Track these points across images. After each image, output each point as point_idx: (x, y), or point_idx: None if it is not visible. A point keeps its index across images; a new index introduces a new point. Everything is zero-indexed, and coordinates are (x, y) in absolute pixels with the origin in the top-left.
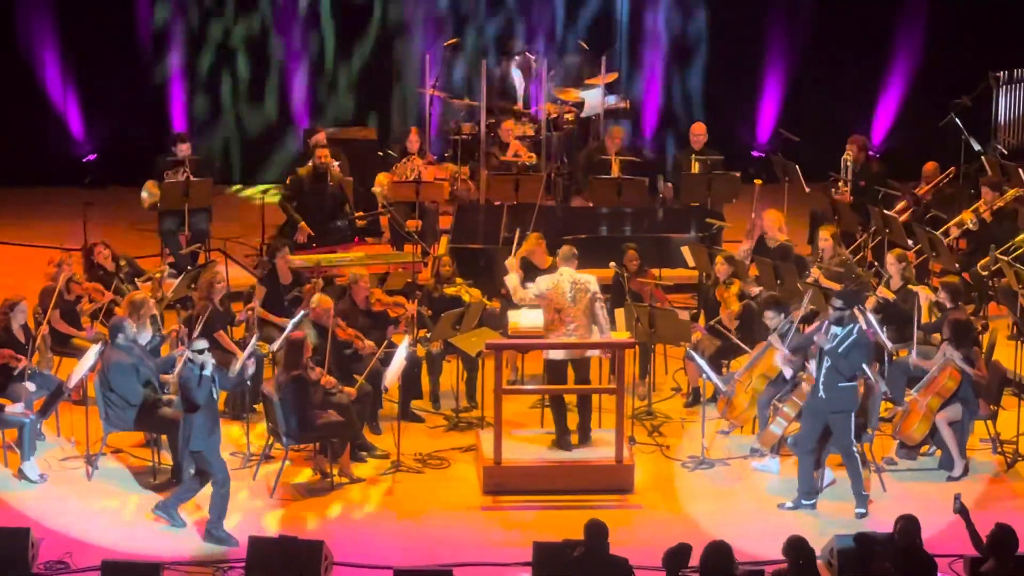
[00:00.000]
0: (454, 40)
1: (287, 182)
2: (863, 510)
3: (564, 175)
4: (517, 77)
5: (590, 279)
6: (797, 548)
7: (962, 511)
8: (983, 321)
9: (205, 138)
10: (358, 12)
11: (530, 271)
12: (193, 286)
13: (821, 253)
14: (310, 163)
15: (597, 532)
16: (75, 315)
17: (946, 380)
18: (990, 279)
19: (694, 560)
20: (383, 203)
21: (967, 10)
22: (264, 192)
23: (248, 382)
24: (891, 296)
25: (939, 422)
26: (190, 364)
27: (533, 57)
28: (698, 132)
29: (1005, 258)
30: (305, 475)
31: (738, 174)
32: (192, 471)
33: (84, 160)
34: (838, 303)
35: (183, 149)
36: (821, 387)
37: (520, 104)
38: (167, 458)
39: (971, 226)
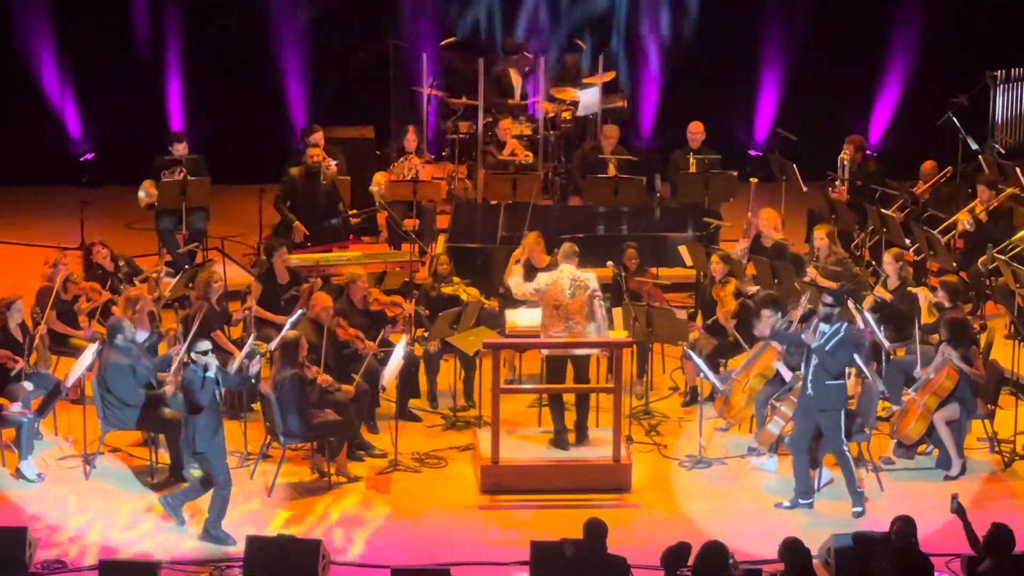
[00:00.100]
0: (452, 40)
1: (280, 182)
2: (860, 508)
3: (561, 174)
4: (515, 76)
5: (590, 276)
6: (792, 550)
7: (959, 511)
8: (981, 321)
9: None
10: (356, 11)
11: (529, 271)
12: (190, 285)
13: (817, 252)
14: (302, 163)
15: (596, 531)
16: (72, 314)
17: (944, 379)
18: (988, 278)
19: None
20: (380, 202)
21: (964, 9)
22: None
23: (252, 380)
24: (888, 296)
25: (936, 421)
26: (193, 366)
27: (530, 56)
28: (695, 131)
29: (1002, 257)
30: (303, 474)
31: (735, 173)
32: (195, 472)
33: (81, 159)
34: (828, 299)
35: (179, 149)
36: (809, 385)
37: (517, 98)
38: (165, 457)
39: (968, 227)
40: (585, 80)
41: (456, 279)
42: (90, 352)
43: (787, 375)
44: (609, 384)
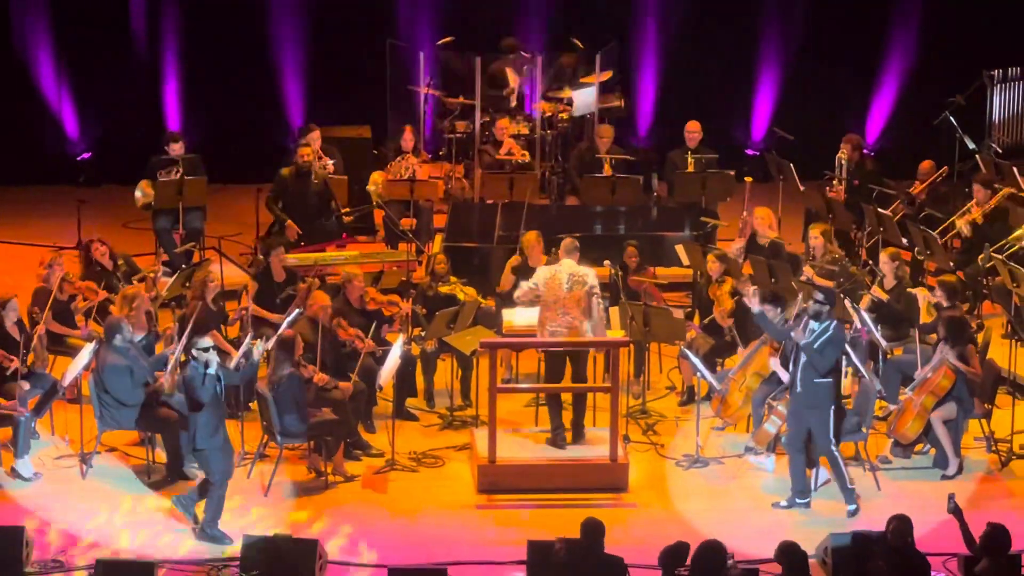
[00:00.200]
0: (449, 39)
1: (272, 182)
2: (853, 506)
3: (558, 174)
4: (511, 75)
5: (588, 272)
6: (789, 553)
7: (956, 511)
8: (978, 320)
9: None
10: (353, 9)
11: (527, 271)
12: (187, 285)
13: (812, 251)
14: (293, 162)
15: (594, 531)
16: (69, 314)
17: (941, 379)
18: (985, 277)
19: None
20: (377, 201)
21: (961, 9)
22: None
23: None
24: (884, 296)
25: (934, 421)
26: (194, 362)
27: (527, 56)
28: (692, 130)
29: (999, 256)
30: (300, 474)
31: (733, 173)
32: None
33: (78, 159)
34: (819, 297)
35: (176, 148)
36: (798, 382)
37: (514, 100)
38: (162, 456)
39: (965, 232)
40: (582, 80)
41: (453, 278)
42: (87, 351)
43: (783, 374)
44: (606, 383)
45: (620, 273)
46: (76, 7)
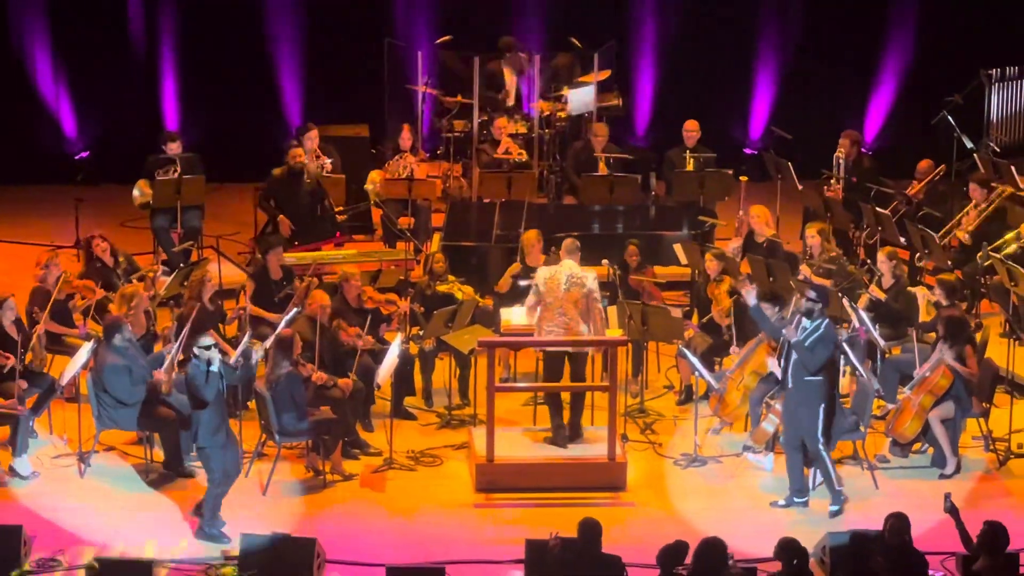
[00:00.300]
0: (447, 38)
1: (265, 182)
2: (836, 508)
3: (556, 172)
4: (509, 75)
5: (588, 275)
6: (789, 549)
7: (952, 510)
8: (976, 320)
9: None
10: (351, 9)
11: (527, 271)
12: (185, 284)
13: (809, 250)
14: (285, 163)
15: (590, 531)
16: (67, 313)
17: (939, 378)
18: (983, 276)
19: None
20: (375, 200)
21: (959, 8)
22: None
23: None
24: (882, 295)
25: (931, 420)
26: (196, 360)
27: (524, 55)
28: (691, 129)
29: (997, 255)
30: (298, 472)
31: (730, 171)
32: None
33: (76, 158)
34: (811, 295)
35: (173, 148)
36: (790, 380)
37: (511, 100)
38: (160, 455)
39: (966, 241)
40: (580, 79)
41: (451, 277)
42: (85, 350)
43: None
44: (604, 382)
45: (618, 272)
46: (74, 6)
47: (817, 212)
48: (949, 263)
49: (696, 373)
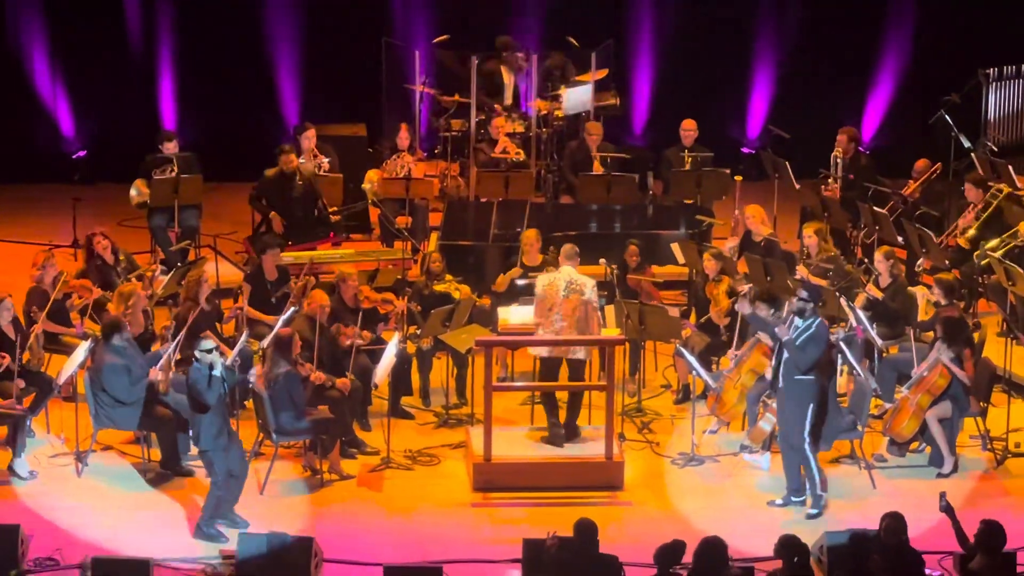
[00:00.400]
0: (444, 37)
1: (258, 182)
2: (816, 511)
3: (554, 172)
4: (506, 74)
5: (587, 283)
6: (790, 547)
7: (947, 509)
8: (974, 320)
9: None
10: (349, 8)
11: (525, 270)
12: (183, 283)
13: (806, 249)
14: (278, 164)
15: (587, 531)
16: (64, 312)
17: (937, 377)
18: (980, 275)
19: (688, 557)
20: (373, 199)
21: (957, 7)
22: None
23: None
24: (879, 294)
25: (929, 419)
26: (197, 364)
27: (522, 55)
28: (688, 128)
29: (995, 254)
30: (295, 472)
31: (728, 171)
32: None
33: (74, 157)
34: (803, 294)
35: (169, 147)
36: (781, 378)
37: (509, 101)
38: (157, 454)
39: (965, 246)
40: (578, 78)
41: (448, 277)
42: (82, 349)
43: None
44: (602, 382)
45: (616, 272)
46: (71, 5)
47: (815, 211)
48: (946, 262)
49: (693, 372)
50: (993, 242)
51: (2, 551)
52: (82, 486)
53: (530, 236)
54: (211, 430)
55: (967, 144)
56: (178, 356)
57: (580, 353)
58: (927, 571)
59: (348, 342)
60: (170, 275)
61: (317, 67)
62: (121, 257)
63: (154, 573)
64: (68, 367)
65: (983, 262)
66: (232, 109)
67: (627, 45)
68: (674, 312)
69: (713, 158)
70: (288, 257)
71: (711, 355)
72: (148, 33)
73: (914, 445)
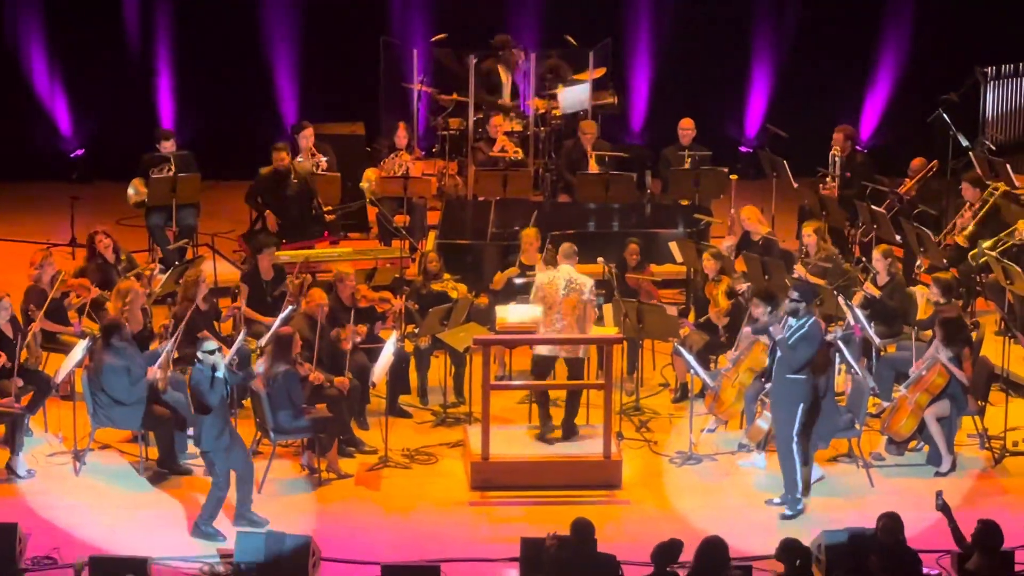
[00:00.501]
0: (442, 36)
1: (253, 180)
2: (791, 513)
3: (552, 170)
4: (503, 73)
5: (586, 282)
6: (791, 550)
7: (944, 508)
8: (972, 319)
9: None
10: (347, 6)
11: (524, 269)
12: (180, 282)
13: (806, 248)
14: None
15: (584, 531)
16: (62, 311)
17: (935, 376)
18: (978, 274)
19: (688, 556)
20: (371, 198)
21: (955, 6)
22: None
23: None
24: (877, 293)
25: (927, 418)
26: (200, 365)
27: (519, 53)
28: (686, 127)
29: (992, 253)
30: (293, 471)
31: (726, 169)
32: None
33: (72, 155)
34: (794, 295)
35: (166, 146)
36: (773, 377)
37: (507, 99)
38: (155, 452)
39: (963, 244)
40: (575, 76)
41: (446, 276)
42: (80, 348)
43: None
44: (599, 380)
45: (614, 270)
46: (69, 4)
47: (813, 210)
48: (944, 262)
49: (692, 371)
50: (988, 242)
51: (0, 549)
52: (80, 485)
53: (530, 235)
54: (212, 431)
55: (965, 143)
56: (176, 355)
57: (581, 352)
58: (925, 570)
59: (350, 345)
60: (168, 274)
61: (315, 66)
62: (123, 257)
63: (152, 572)
64: (66, 366)
65: (981, 260)
66: (230, 108)
67: (625, 44)
68: (672, 311)
69: (711, 157)
70: (285, 256)
71: (709, 354)
72: (146, 32)
73: (912, 444)
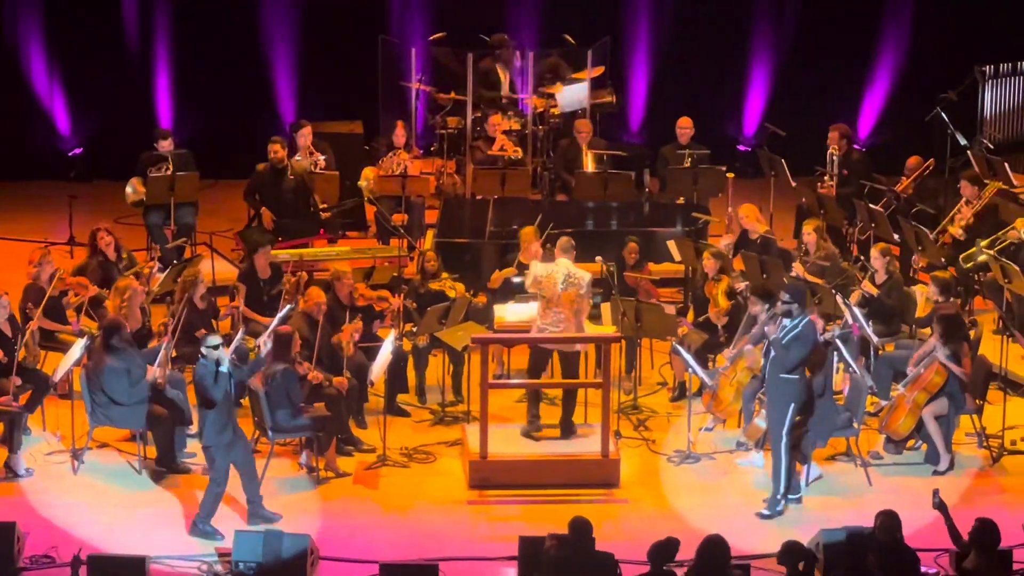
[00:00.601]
0: (440, 34)
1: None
2: (768, 513)
3: (550, 169)
4: (501, 71)
5: (584, 276)
6: (792, 552)
7: (941, 506)
8: (971, 318)
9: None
10: (345, 5)
11: (522, 269)
12: (178, 280)
13: (805, 247)
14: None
15: (581, 530)
16: (60, 310)
17: (933, 375)
18: (976, 273)
19: (687, 555)
20: (369, 197)
21: (954, 5)
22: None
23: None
24: (874, 291)
25: (925, 416)
26: (203, 360)
27: (517, 52)
28: (684, 126)
29: (990, 252)
30: (292, 469)
31: (724, 168)
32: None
33: (70, 154)
34: (786, 297)
35: (164, 145)
36: (767, 377)
37: (505, 95)
38: (153, 451)
39: (960, 236)
40: (574, 75)
41: (444, 275)
42: (78, 347)
43: None
44: (597, 379)
45: (612, 269)
46: (68, 3)
47: (811, 208)
48: (942, 260)
49: (690, 370)
50: (986, 240)
51: None
52: (78, 483)
53: (529, 233)
54: (215, 426)
55: (963, 142)
56: (174, 354)
57: (576, 345)
58: (923, 569)
59: (352, 349)
60: (166, 272)
61: (314, 65)
62: (124, 255)
63: (150, 571)
64: (64, 364)
65: (980, 258)
66: (228, 107)
67: (624, 42)
68: (671, 310)
69: (709, 156)
70: (283, 254)
71: (708, 353)
72: (145, 31)
73: (910, 442)
